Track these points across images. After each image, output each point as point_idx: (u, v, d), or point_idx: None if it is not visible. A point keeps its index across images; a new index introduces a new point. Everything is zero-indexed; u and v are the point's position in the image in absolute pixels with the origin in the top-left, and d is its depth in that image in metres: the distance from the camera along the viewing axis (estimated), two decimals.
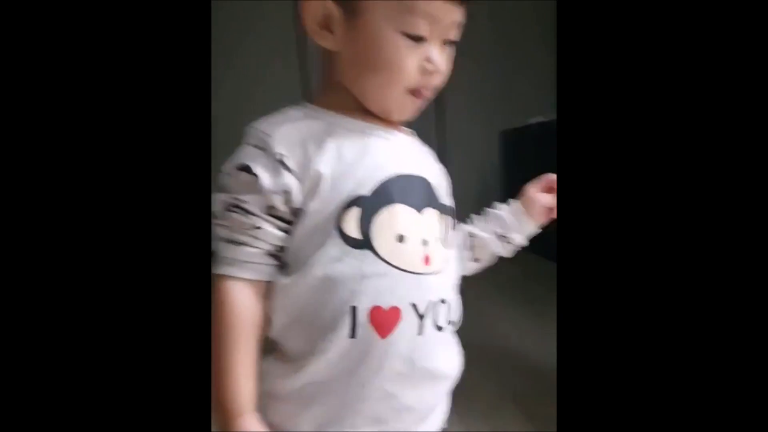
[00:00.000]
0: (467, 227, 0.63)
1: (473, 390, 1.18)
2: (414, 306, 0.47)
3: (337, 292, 0.46)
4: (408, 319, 0.47)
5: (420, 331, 0.48)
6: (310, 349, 0.47)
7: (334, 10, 0.47)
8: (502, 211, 0.62)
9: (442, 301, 0.50)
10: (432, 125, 3.31)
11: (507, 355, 1.46)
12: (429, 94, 0.51)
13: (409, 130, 0.58)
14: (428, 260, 0.49)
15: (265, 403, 0.49)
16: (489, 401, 1.20)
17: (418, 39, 0.47)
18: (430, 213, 0.51)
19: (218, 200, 0.48)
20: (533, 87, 3.28)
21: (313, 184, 0.47)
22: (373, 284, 0.46)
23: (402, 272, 0.47)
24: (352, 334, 0.46)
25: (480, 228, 0.62)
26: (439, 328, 0.50)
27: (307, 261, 0.47)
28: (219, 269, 0.47)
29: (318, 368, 0.47)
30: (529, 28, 3.30)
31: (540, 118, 2.69)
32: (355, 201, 0.46)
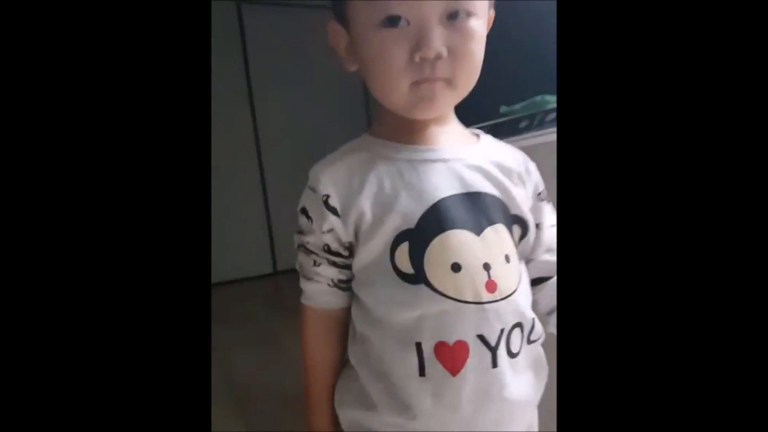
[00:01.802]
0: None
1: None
2: (482, 338, 0.44)
3: (401, 330, 0.45)
4: (477, 353, 0.45)
5: (494, 364, 0.45)
6: (386, 390, 0.46)
7: (343, 34, 0.48)
8: None
9: (516, 326, 0.47)
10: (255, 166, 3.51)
11: None
12: (437, 79, 0.45)
13: (476, 133, 0.54)
14: (493, 286, 0.45)
15: None
16: None
17: (398, 21, 0.43)
18: (494, 230, 0.47)
19: (294, 239, 0.53)
20: (348, 136, 3.37)
21: (357, 221, 0.47)
22: (433, 320, 0.44)
23: (462, 304, 0.44)
24: (422, 373, 0.44)
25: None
26: (514, 354, 0.46)
27: (370, 300, 0.47)
28: (302, 299, 0.53)
29: (396, 411, 0.46)
30: None
31: None
32: (403, 235, 0.45)
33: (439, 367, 0.44)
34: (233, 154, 3.33)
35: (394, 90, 0.46)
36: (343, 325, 0.52)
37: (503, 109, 0.82)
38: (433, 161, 0.48)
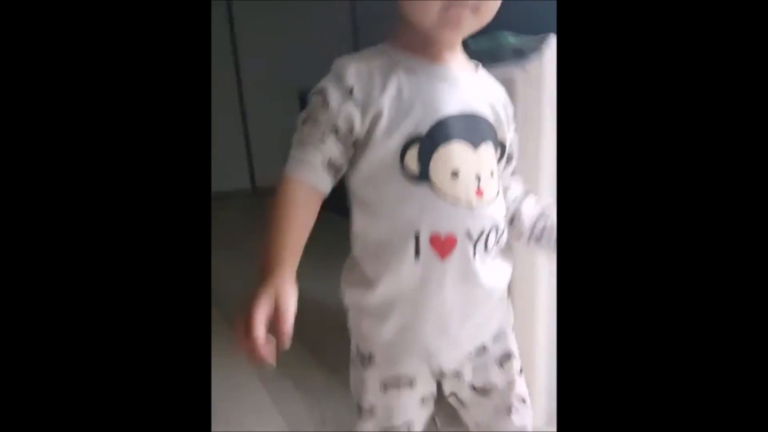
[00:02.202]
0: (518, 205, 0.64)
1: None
2: (467, 233, 0.53)
3: (402, 222, 0.52)
4: (462, 244, 0.53)
5: (474, 255, 0.54)
6: (384, 270, 0.54)
7: None
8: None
9: (492, 229, 0.55)
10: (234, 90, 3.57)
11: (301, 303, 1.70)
12: (469, 5, 0.50)
13: (475, 63, 0.60)
14: (480, 194, 0.53)
15: (353, 314, 0.60)
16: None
17: None
18: (486, 148, 0.54)
19: (300, 115, 0.54)
20: (330, 52, 3.41)
21: (374, 118, 0.51)
22: (432, 215, 0.52)
23: (457, 204, 0.52)
24: (417, 256, 0.53)
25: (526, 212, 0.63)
26: (488, 251, 0.55)
27: (375, 195, 0.53)
28: (285, 168, 0.52)
29: (390, 286, 0.54)
30: None
31: None
32: (414, 140, 0.51)
33: (431, 252, 0.52)
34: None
35: (426, 10, 0.50)
36: (312, 214, 0.52)
37: (471, 43, 0.90)
38: (446, 80, 0.54)
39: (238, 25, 3.49)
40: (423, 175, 0.52)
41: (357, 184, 0.55)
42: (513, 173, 0.65)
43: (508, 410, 0.64)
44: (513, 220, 0.63)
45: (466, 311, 0.56)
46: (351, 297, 0.59)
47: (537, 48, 0.87)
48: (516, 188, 0.64)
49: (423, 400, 0.63)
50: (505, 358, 0.63)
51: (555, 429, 0.96)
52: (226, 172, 3.55)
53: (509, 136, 0.60)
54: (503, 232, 0.58)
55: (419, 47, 0.54)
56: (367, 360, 0.60)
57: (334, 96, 0.52)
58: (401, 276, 0.53)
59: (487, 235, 0.55)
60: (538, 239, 0.63)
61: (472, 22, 0.52)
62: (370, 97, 0.51)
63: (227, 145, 3.55)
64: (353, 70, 0.52)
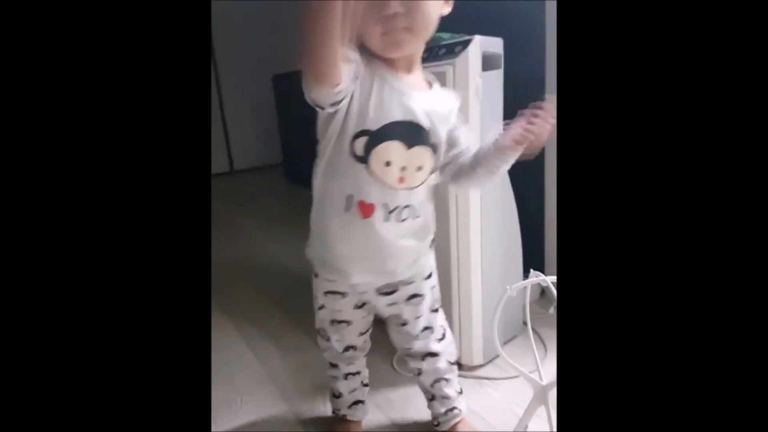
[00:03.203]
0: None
1: (248, 301, 1.61)
2: (384, 205, 0.73)
3: (344, 185, 0.72)
4: (379, 211, 0.73)
5: (386, 219, 0.74)
6: (325, 217, 0.76)
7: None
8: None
9: (407, 206, 0.75)
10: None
11: (275, 270, 1.88)
12: (402, 28, 0.64)
13: (430, 81, 0.76)
14: (402, 180, 0.72)
15: (310, 246, 0.82)
16: (260, 307, 1.60)
17: None
18: (418, 149, 0.72)
19: None
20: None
21: (349, 105, 0.68)
22: (362, 187, 0.71)
23: (381, 185, 0.71)
24: (347, 210, 0.73)
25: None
26: (403, 220, 0.75)
27: (331, 158, 0.72)
28: None
29: (326, 229, 0.76)
30: None
31: None
32: (365, 132, 0.69)
33: (357, 211, 0.72)
34: None
35: (370, 37, 0.66)
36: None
37: None
38: (402, 94, 0.70)
39: (213, 13, 3.54)
40: (364, 159, 0.71)
41: (324, 151, 0.73)
42: (463, 152, 0.81)
43: (416, 337, 0.87)
44: (473, 165, 0.79)
45: (367, 254, 0.77)
46: (312, 245, 0.82)
47: (464, 45, 1.03)
48: (465, 156, 0.81)
49: (356, 306, 0.85)
50: (413, 297, 0.84)
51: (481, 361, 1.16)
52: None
53: (445, 136, 0.77)
54: (417, 211, 0.77)
55: (387, 62, 0.70)
56: (314, 275, 0.84)
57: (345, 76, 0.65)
58: (336, 224, 0.75)
59: (402, 209, 0.75)
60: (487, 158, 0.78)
61: (411, 40, 0.68)
62: (351, 88, 0.67)
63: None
64: (356, 62, 0.67)
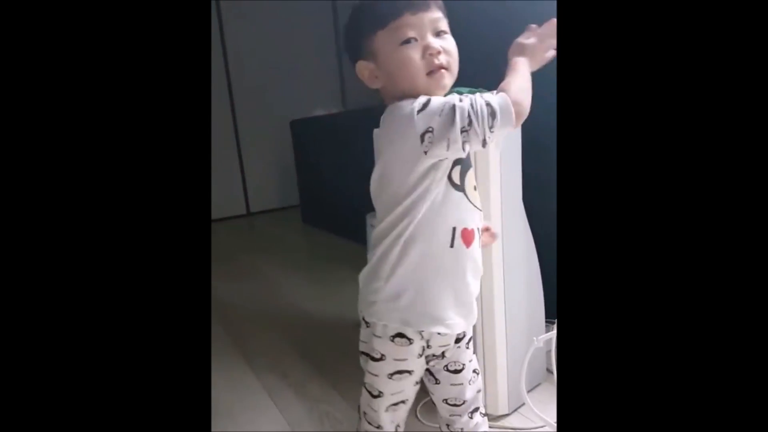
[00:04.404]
0: None
1: (270, 349, 1.59)
2: (478, 228, 0.75)
3: (448, 218, 0.71)
4: (477, 237, 0.75)
5: (479, 244, 0.76)
6: (428, 252, 0.72)
7: (370, 65, 0.74)
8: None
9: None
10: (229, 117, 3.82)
11: (297, 316, 1.84)
12: (446, 68, 0.71)
13: None
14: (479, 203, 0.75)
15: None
16: (286, 355, 1.58)
17: (411, 40, 0.70)
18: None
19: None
20: (318, 84, 3.93)
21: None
22: (463, 216, 0.72)
23: (476, 209, 0.74)
24: (452, 245, 0.72)
25: None
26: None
27: (435, 199, 0.70)
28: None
29: (434, 269, 0.73)
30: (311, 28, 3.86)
31: (321, 111, 3.22)
32: (458, 161, 0.71)
33: (461, 242, 0.72)
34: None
35: (417, 80, 0.70)
36: None
37: None
38: None
39: (230, 60, 3.71)
40: (461, 186, 0.73)
41: (415, 197, 0.71)
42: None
43: (469, 382, 0.83)
44: None
45: (466, 291, 0.76)
46: (400, 298, 0.73)
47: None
48: None
49: (419, 354, 0.77)
50: (468, 338, 0.83)
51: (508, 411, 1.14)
52: (225, 201, 3.75)
53: None
54: None
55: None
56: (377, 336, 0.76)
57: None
58: (441, 262, 0.72)
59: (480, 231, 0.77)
60: None
61: (449, 79, 0.73)
62: None
63: (225, 176, 3.75)
64: None
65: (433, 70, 0.71)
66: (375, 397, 0.79)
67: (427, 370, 0.83)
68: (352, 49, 0.76)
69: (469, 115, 0.65)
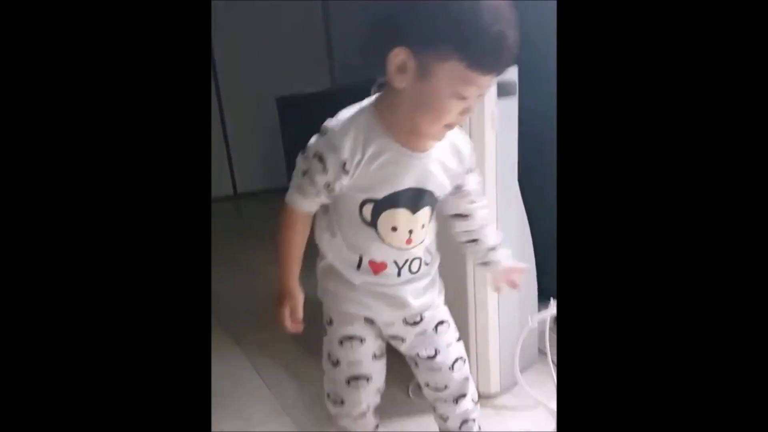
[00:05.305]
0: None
1: (259, 331, 1.57)
2: (395, 261, 0.76)
3: (354, 249, 0.75)
4: (390, 268, 0.76)
5: (399, 275, 0.77)
6: (338, 273, 0.78)
7: (412, 64, 0.62)
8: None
9: (416, 258, 0.77)
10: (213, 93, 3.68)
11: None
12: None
13: (445, 146, 0.74)
14: (410, 242, 0.75)
15: (320, 291, 0.82)
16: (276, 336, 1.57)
17: (464, 98, 0.63)
18: (423, 211, 0.74)
19: (298, 165, 0.72)
20: (307, 60, 3.79)
21: (354, 181, 0.70)
22: (372, 248, 0.74)
23: (390, 246, 0.74)
24: (358, 268, 0.76)
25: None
26: (414, 272, 0.77)
27: (341, 226, 0.75)
28: (287, 199, 0.75)
29: (342, 281, 0.77)
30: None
31: (311, 88, 3.11)
32: (371, 200, 0.71)
33: (368, 269, 0.76)
34: None
35: (434, 128, 0.67)
36: (308, 229, 0.77)
37: None
38: (409, 168, 0.71)
39: (214, 34, 3.60)
40: (372, 224, 0.73)
41: (331, 214, 0.76)
42: (474, 201, 0.82)
43: (451, 369, 0.83)
44: (476, 242, 0.84)
45: (387, 296, 0.78)
46: (322, 286, 0.82)
47: None
48: (478, 217, 0.83)
49: (375, 356, 0.83)
50: (440, 323, 0.83)
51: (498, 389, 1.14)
52: (211, 181, 3.67)
53: (453, 183, 0.77)
54: (427, 257, 0.79)
55: (404, 134, 0.69)
56: (328, 323, 0.83)
57: (331, 164, 0.69)
58: (349, 277, 0.77)
59: (410, 263, 0.77)
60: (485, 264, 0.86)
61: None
62: (356, 169, 0.69)
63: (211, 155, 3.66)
64: (347, 144, 0.68)
65: (451, 125, 0.68)
66: (334, 365, 0.83)
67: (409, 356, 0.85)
68: (411, 31, 0.62)
69: None
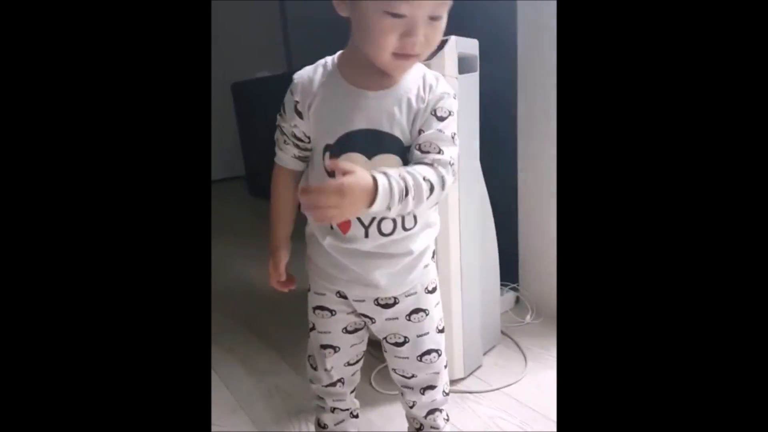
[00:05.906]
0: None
1: (214, 323, 1.48)
2: (359, 219, 0.69)
3: None
4: (354, 227, 0.70)
5: (366, 235, 0.70)
6: (316, 236, 0.75)
7: (344, 2, 0.63)
8: None
9: (385, 217, 0.68)
10: None
11: (243, 291, 1.78)
12: (414, 55, 0.62)
13: (407, 86, 0.68)
14: None
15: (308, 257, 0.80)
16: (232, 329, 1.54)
17: (398, 16, 0.59)
18: (380, 157, 0.67)
19: (277, 121, 0.72)
20: (261, 44, 3.71)
21: (311, 126, 0.69)
22: None
23: None
24: (331, 228, 0.71)
25: None
26: (386, 234, 0.70)
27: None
28: (275, 157, 0.75)
29: (322, 243, 0.74)
30: None
31: (266, 73, 3.06)
32: (326, 147, 0.68)
33: (337, 229, 0.71)
34: None
35: (381, 56, 0.62)
36: (297, 181, 0.76)
37: None
38: (363, 102, 0.67)
39: None
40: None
41: (308, 170, 0.75)
42: (435, 161, 0.68)
43: (418, 359, 0.78)
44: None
45: (352, 266, 0.73)
46: (307, 249, 0.80)
47: (439, 46, 1.00)
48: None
49: (345, 330, 0.80)
50: (415, 312, 0.77)
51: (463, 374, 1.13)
52: None
53: (414, 132, 0.68)
54: (407, 221, 0.71)
55: (364, 77, 0.66)
56: (308, 290, 0.82)
57: (288, 108, 0.70)
58: (320, 242, 0.74)
59: (380, 223, 0.69)
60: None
61: (415, 63, 0.65)
62: (309, 110, 0.68)
63: None
64: (299, 86, 0.69)
65: (401, 55, 0.62)
66: (311, 329, 0.82)
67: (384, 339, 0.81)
68: None
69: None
